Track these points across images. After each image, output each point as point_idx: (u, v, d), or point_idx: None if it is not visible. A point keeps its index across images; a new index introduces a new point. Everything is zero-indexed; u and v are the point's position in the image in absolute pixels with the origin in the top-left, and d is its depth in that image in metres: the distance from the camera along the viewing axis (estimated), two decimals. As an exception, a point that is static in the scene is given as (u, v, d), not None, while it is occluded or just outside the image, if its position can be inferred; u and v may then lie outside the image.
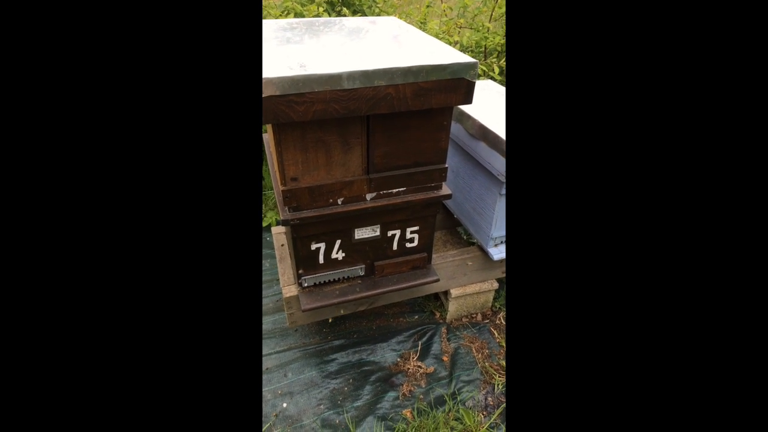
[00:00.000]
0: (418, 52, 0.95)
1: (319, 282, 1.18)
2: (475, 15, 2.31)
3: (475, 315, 1.56)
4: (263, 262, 1.76)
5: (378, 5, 2.21)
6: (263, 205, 1.94)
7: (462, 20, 2.25)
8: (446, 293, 1.48)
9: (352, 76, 0.84)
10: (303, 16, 1.81)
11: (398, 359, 1.37)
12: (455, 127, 1.39)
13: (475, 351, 1.42)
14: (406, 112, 0.96)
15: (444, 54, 0.94)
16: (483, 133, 1.26)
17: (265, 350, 1.38)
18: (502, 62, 2.07)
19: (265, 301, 1.58)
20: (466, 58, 0.92)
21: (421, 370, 1.34)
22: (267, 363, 1.35)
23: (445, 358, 1.39)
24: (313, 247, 1.11)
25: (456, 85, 0.93)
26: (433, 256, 1.37)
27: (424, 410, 1.23)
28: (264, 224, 1.87)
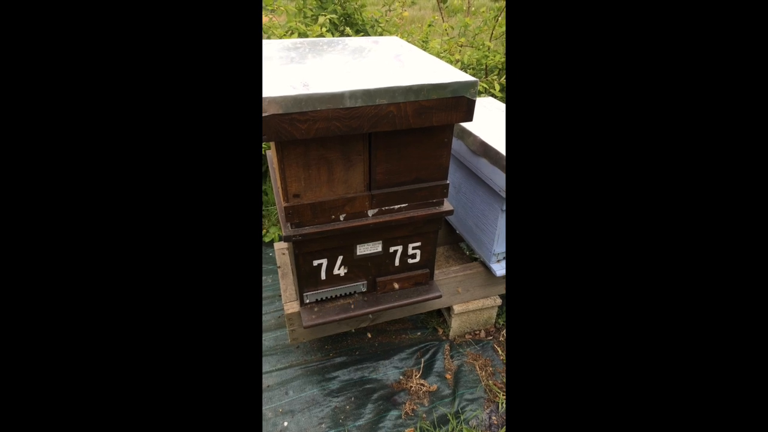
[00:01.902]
0: (419, 71, 0.97)
1: (321, 298, 1.18)
2: (476, 34, 2.35)
3: (478, 331, 1.54)
4: (265, 277, 1.76)
5: (380, 25, 2.25)
6: (266, 221, 1.95)
7: (463, 39, 2.29)
8: (449, 309, 1.47)
9: (354, 94, 0.85)
10: (306, 36, 1.85)
11: (401, 377, 1.36)
12: (457, 144, 1.40)
13: (478, 368, 1.40)
14: (407, 130, 0.97)
15: (445, 73, 0.96)
16: (484, 150, 1.27)
17: (266, 367, 1.37)
18: (503, 79, 2.09)
19: (266, 317, 1.57)
20: (466, 77, 0.94)
21: (424, 388, 1.33)
22: (268, 380, 1.33)
23: (448, 376, 1.37)
24: (315, 263, 1.11)
25: (457, 103, 0.95)
26: (436, 271, 1.37)
27: (427, 430, 1.21)
28: (266, 239, 1.87)
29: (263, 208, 1.98)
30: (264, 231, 1.88)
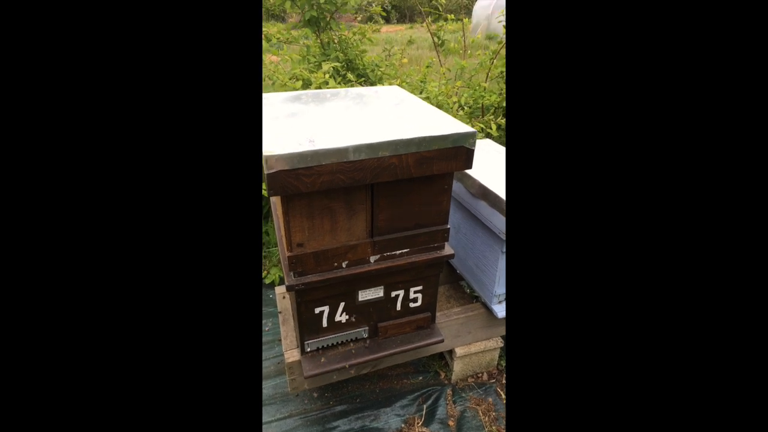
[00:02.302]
0: (419, 122, 1.00)
1: (323, 346, 1.17)
2: (472, 76, 2.44)
3: (480, 374, 1.52)
4: (266, 321, 1.74)
5: (380, 69, 2.34)
6: (267, 261, 1.95)
7: (459, 82, 2.37)
8: (451, 352, 1.45)
9: (358, 149, 0.88)
10: (311, 82, 1.91)
11: (402, 425, 1.32)
12: (456, 186, 1.43)
13: (481, 414, 1.37)
14: (408, 179, 1.00)
15: (444, 124, 0.99)
16: (483, 193, 1.29)
17: (265, 417, 1.33)
18: (500, 119, 2.16)
19: (266, 363, 1.54)
20: (465, 128, 0.97)
21: (428, 437, 1.29)
22: (267, 431, 1.29)
23: (451, 423, 1.34)
24: (317, 310, 1.11)
25: (456, 153, 0.97)
26: (437, 313, 1.36)
27: (431, 483, 1.16)
28: (267, 281, 1.86)
29: (265, 249, 1.98)
30: (265, 272, 1.88)
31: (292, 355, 1.20)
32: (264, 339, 1.65)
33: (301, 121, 1.00)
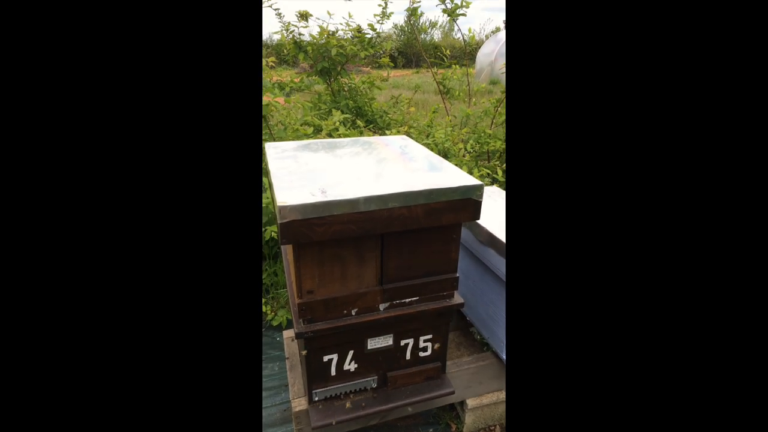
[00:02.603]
0: (428, 173, 1.04)
1: (330, 395, 1.14)
2: (477, 123, 2.52)
3: (493, 427, 1.46)
4: (273, 365, 1.71)
5: (388, 115, 2.43)
6: (275, 303, 1.94)
7: (466, 129, 2.45)
8: (462, 404, 1.41)
9: (369, 200, 0.91)
10: (321, 128, 1.99)
11: (412, 482, 1.26)
12: (465, 233, 1.44)
13: (495, 471, 1.30)
14: (418, 229, 1.02)
15: (453, 177, 1.02)
16: (491, 240, 1.30)
17: (269, 470, 1.28)
18: (505, 165, 2.21)
19: (272, 410, 1.51)
20: (473, 181, 1.00)
21: (438, 496, 1.23)
22: (270, 485, 1.24)
23: (463, 481, 1.27)
24: (326, 358, 1.10)
25: (464, 204, 1.00)
26: (447, 362, 1.33)
27: None
28: (274, 323, 1.85)
29: (273, 291, 1.98)
30: (272, 314, 1.87)
31: (299, 403, 1.17)
32: (270, 384, 1.62)
33: (312, 171, 1.04)
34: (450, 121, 2.46)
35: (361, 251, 1.01)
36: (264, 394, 1.58)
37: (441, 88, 2.87)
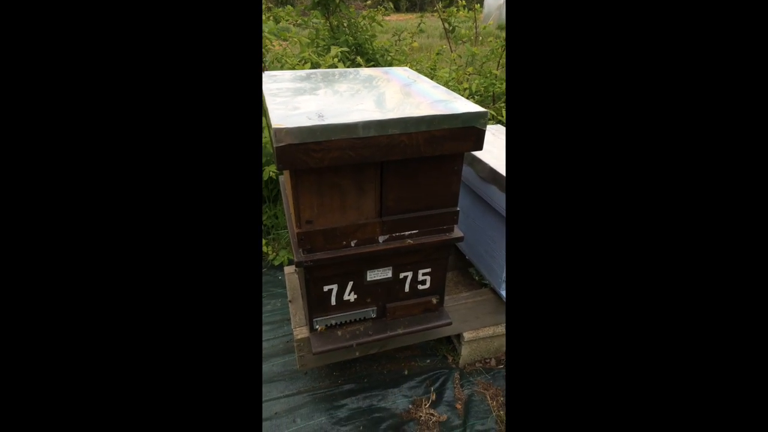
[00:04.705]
0: (429, 101, 0.99)
1: (331, 324, 1.18)
2: (483, 63, 2.41)
3: (488, 360, 1.52)
4: (275, 301, 1.76)
5: (390, 53, 2.32)
6: (276, 244, 1.96)
7: (471, 68, 2.34)
8: (459, 337, 1.46)
9: (367, 125, 0.88)
10: (319, 66, 1.91)
11: (410, 406, 1.33)
12: (466, 170, 1.42)
13: (489, 398, 1.37)
14: (418, 158, 0.99)
15: (455, 103, 0.98)
16: (493, 177, 1.28)
17: (274, 394, 1.35)
18: (511, 106, 2.13)
19: (275, 341, 1.56)
20: (476, 108, 0.96)
21: (434, 419, 1.30)
22: (276, 407, 1.31)
23: (458, 406, 1.34)
24: (326, 288, 1.12)
25: (467, 133, 0.97)
26: (445, 298, 1.36)
27: (437, 462, 1.17)
28: (275, 263, 1.88)
29: (274, 231, 1.99)
30: (274, 254, 1.90)
31: (301, 332, 1.21)
32: (273, 318, 1.67)
33: (310, 98, 1.00)
34: (455, 60, 2.35)
35: (361, 182, 1.00)
36: (267, 327, 1.63)
37: (446, 26, 2.72)
